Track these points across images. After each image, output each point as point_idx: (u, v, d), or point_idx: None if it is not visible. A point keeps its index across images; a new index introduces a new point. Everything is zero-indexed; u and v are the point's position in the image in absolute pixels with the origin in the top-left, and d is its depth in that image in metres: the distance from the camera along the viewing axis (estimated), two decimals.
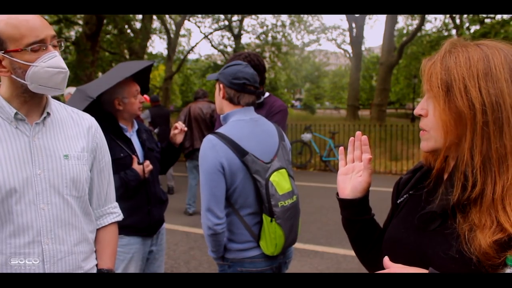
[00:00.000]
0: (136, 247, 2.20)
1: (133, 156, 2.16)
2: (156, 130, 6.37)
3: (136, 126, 2.29)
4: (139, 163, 2.17)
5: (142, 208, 2.19)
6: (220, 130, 1.76)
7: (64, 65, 1.18)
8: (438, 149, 0.88)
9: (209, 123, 5.81)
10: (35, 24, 1.12)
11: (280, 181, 1.74)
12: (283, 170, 1.79)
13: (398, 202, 1.03)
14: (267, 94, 2.46)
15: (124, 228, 2.09)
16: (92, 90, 2.13)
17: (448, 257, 0.81)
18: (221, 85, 1.83)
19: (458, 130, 0.83)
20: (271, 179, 1.72)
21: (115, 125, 2.16)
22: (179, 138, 2.37)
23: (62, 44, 1.23)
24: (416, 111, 0.92)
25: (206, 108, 5.86)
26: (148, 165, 2.19)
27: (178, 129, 2.34)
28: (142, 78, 2.30)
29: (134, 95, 2.18)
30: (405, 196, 1.01)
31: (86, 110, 1.98)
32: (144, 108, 9.08)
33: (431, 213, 0.87)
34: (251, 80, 1.80)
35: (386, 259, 0.87)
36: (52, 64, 1.14)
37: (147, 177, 2.19)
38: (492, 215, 0.78)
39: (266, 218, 1.72)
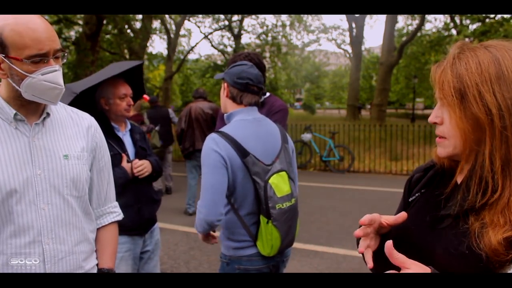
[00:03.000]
0: (127, 246, 2.19)
1: (123, 155, 2.18)
2: (157, 128, 6.37)
3: (129, 126, 2.32)
4: (128, 162, 2.18)
5: (131, 206, 2.18)
6: (223, 129, 1.77)
7: (61, 82, 1.16)
8: (456, 155, 0.88)
9: (210, 123, 5.75)
10: (41, 36, 1.10)
11: (279, 184, 1.74)
12: (283, 173, 1.79)
13: (410, 200, 1.03)
14: (267, 94, 2.47)
15: None
16: (77, 87, 2.17)
17: (458, 253, 0.81)
18: (225, 84, 1.85)
19: (477, 136, 0.82)
20: (270, 181, 1.72)
21: (107, 124, 2.18)
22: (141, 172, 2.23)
23: (66, 55, 1.22)
24: (431, 119, 0.91)
25: (207, 108, 5.80)
26: (136, 163, 2.19)
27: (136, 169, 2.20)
28: (134, 79, 2.30)
29: (119, 96, 2.18)
30: (416, 194, 1.01)
31: (70, 105, 2.05)
32: (144, 109, 9.04)
33: (443, 216, 0.88)
34: (254, 80, 1.81)
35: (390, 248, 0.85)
36: (49, 78, 1.13)
37: (137, 176, 2.19)
38: (506, 215, 0.78)
39: (263, 219, 1.72)
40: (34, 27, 1.10)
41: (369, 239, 0.95)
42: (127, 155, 2.21)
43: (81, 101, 2.11)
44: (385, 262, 0.86)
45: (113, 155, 2.11)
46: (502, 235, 0.76)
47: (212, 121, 5.74)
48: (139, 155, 2.28)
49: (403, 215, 0.94)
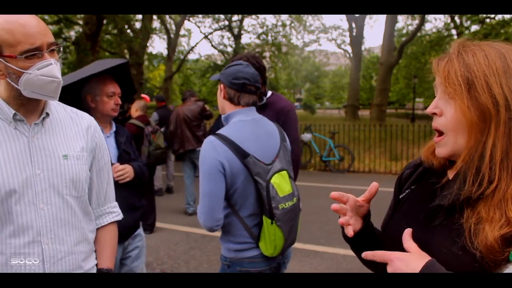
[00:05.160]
0: None
1: None
2: (162, 129, 6.41)
3: (113, 128, 2.20)
4: None
5: None
6: (221, 131, 1.75)
7: (58, 74, 1.16)
8: (457, 151, 0.87)
9: (198, 121, 5.97)
10: (31, 30, 1.10)
11: (281, 183, 1.73)
12: (284, 172, 1.78)
13: (400, 197, 1.03)
14: (269, 93, 2.42)
15: None
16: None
17: (451, 254, 0.81)
18: (221, 86, 1.83)
19: (481, 126, 0.82)
20: (272, 181, 1.71)
21: None
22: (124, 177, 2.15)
23: (61, 49, 1.22)
24: (429, 110, 0.90)
25: (193, 108, 5.94)
26: (116, 167, 2.08)
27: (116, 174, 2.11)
28: (122, 78, 2.20)
29: (107, 94, 2.08)
30: (407, 191, 1.01)
31: None
32: (149, 109, 8.94)
33: (438, 208, 0.87)
34: (251, 80, 1.79)
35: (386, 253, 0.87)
36: (45, 72, 1.13)
37: (116, 181, 2.05)
38: (502, 209, 0.78)
39: (266, 220, 1.71)
40: (24, 23, 1.10)
41: (348, 217, 1.01)
42: None
43: (64, 97, 2.05)
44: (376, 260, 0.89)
45: None
46: (499, 232, 0.76)
47: (200, 116, 5.89)
48: (122, 159, 2.17)
49: (374, 185, 1.01)
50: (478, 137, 0.83)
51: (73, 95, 2.07)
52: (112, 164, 2.07)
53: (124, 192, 2.11)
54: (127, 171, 2.13)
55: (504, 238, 0.75)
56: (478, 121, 0.82)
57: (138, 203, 2.28)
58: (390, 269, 0.83)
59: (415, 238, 0.89)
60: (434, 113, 0.89)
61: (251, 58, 2.32)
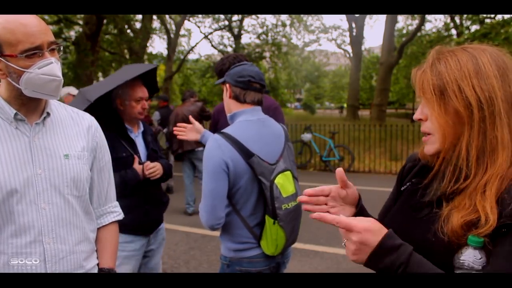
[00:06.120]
0: (131, 245, 2.23)
1: (135, 156, 2.21)
2: (164, 130, 6.40)
3: (141, 128, 2.35)
4: (140, 163, 2.21)
5: (139, 207, 2.22)
6: (226, 130, 1.76)
7: (59, 73, 1.16)
8: (441, 150, 0.92)
9: (198, 121, 5.92)
10: (32, 30, 1.10)
11: (284, 183, 1.74)
12: (288, 172, 1.79)
13: (402, 189, 1.08)
14: None
15: (120, 226, 2.11)
16: (92, 93, 2.19)
17: (426, 241, 0.87)
18: (227, 85, 1.84)
19: (457, 129, 0.87)
20: (275, 181, 1.71)
21: (120, 125, 2.22)
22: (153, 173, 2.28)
23: (61, 49, 1.22)
24: (416, 117, 0.96)
25: (192, 109, 5.95)
26: (148, 165, 2.22)
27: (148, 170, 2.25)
28: (148, 80, 2.35)
29: (136, 99, 2.22)
30: (407, 184, 1.06)
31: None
32: (151, 108, 8.94)
33: (423, 202, 0.94)
34: (256, 77, 1.80)
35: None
36: (46, 71, 1.13)
37: (148, 177, 2.22)
38: (472, 199, 0.83)
39: (269, 220, 1.71)
40: (25, 23, 1.10)
41: (329, 207, 1.03)
42: (139, 157, 2.23)
43: (96, 106, 2.13)
44: None
45: (126, 157, 2.18)
46: (464, 218, 0.81)
47: (199, 117, 5.88)
48: (151, 157, 2.31)
49: (339, 171, 1.01)
50: (455, 140, 0.88)
51: (103, 98, 2.21)
52: (143, 162, 2.23)
53: (152, 188, 2.31)
54: (157, 168, 2.27)
55: (468, 224, 0.80)
56: (453, 125, 0.87)
57: (164, 198, 2.45)
58: (355, 238, 0.83)
59: (400, 227, 0.93)
60: (420, 119, 0.95)
61: (241, 56, 2.41)
